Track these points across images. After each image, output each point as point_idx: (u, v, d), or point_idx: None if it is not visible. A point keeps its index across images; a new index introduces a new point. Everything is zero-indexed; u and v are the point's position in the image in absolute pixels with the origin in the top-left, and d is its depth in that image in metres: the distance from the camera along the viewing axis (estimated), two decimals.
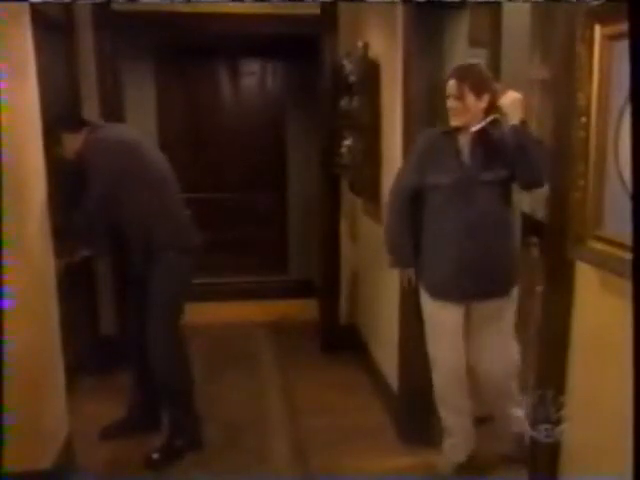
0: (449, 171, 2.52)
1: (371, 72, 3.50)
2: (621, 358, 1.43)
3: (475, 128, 2.45)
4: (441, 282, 2.61)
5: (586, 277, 1.79)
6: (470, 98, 2.42)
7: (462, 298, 2.60)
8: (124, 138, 2.99)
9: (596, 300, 1.77)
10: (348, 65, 3.82)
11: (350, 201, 4.28)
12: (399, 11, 3.02)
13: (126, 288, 3.30)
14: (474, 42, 2.92)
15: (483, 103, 2.43)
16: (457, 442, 2.74)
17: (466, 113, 2.44)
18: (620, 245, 1.57)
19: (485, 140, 2.47)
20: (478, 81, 2.42)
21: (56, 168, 2.93)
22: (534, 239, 3.07)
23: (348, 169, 3.88)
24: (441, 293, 2.62)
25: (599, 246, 1.69)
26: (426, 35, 2.83)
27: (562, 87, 1.84)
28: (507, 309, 2.64)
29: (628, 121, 1.45)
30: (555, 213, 1.92)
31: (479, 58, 2.75)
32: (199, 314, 4.94)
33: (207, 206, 5.60)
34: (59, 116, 3.15)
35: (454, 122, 2.49)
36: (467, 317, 2.66)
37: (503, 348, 2.66)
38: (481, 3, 3.01)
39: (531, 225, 3.09)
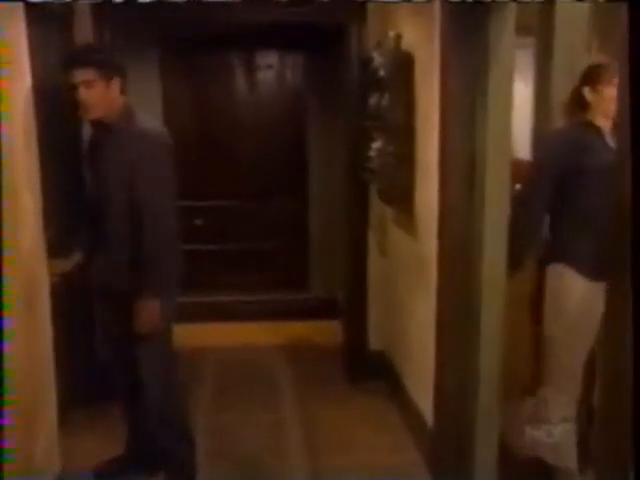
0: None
1: (404, 66, 3.50)
2: None
3: None
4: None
5: None
6: None
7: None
8: (168, 143, 2.94)
9: None
10: (378, 58, 3.80)
11: (379, 210, 4.27)
12: None
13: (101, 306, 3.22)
14: (522, 29, 2.88)
15: None
16: None
17: None
18: None
19: None
20: None
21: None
22: None
23: (377, 175, 3.86)
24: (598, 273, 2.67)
25: None
26: (467, 23, 2.79)
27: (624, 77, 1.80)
28: None
29: None
30: None
31: (528, 47, 2.73)
32: (209, 336, 5.00)
33: (218, 215, 5.65)
34: (84, 50, 3.11)
35: None
36: None
37: None
38: None
39: None
